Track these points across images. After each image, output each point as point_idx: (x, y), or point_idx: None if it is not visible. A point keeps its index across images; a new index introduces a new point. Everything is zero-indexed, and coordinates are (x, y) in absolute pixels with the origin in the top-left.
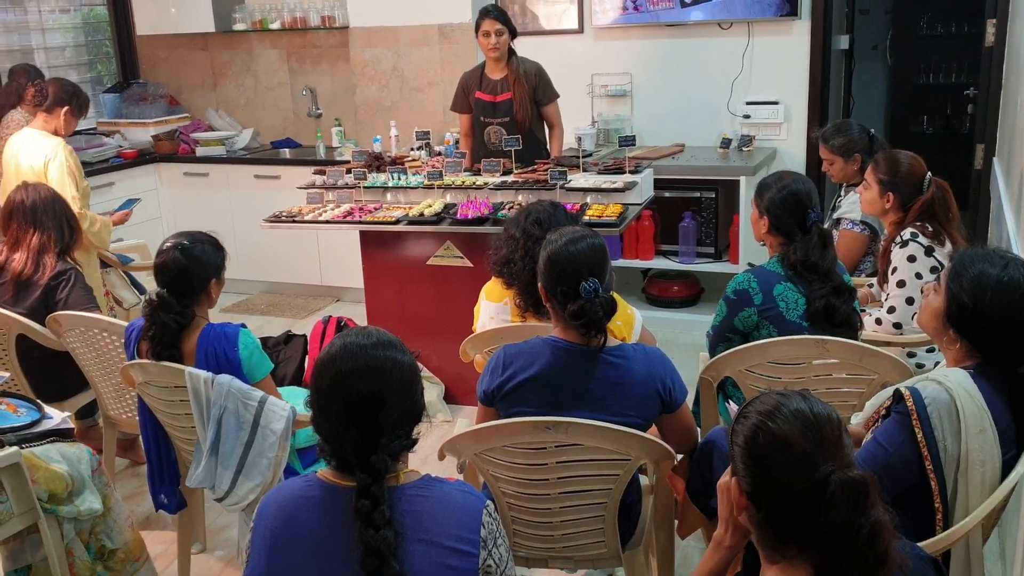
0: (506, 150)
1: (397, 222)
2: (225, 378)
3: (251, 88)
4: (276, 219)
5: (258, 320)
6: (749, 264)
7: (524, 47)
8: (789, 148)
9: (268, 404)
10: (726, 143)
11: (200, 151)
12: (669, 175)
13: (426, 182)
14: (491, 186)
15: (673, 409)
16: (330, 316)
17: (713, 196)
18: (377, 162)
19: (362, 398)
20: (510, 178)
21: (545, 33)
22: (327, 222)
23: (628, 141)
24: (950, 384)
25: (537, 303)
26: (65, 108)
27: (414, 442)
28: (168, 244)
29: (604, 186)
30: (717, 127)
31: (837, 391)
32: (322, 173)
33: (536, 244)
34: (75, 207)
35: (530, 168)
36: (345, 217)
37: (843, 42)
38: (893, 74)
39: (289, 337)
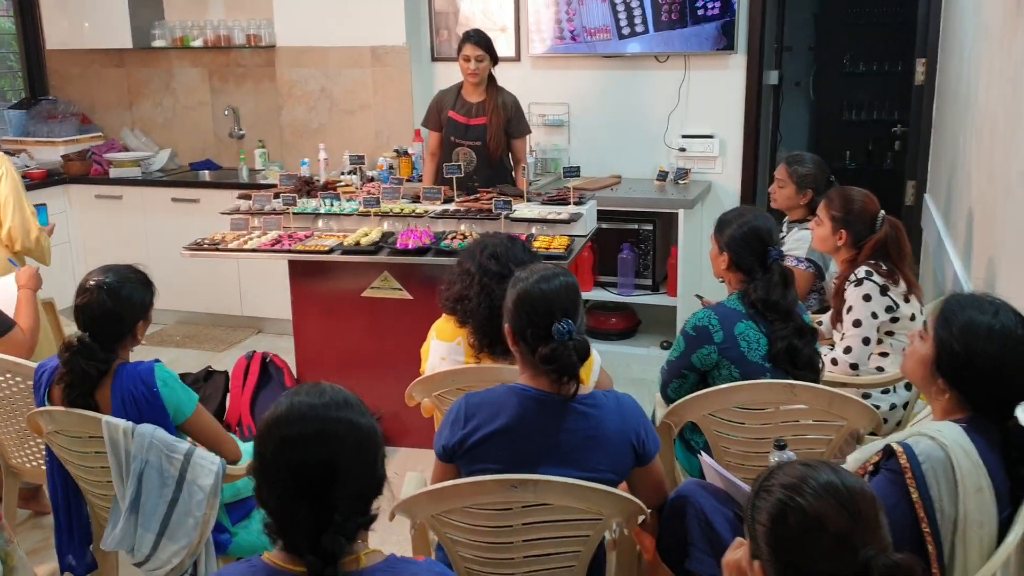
0: (446, 176)
1: (331, 251)
2: (147, 428)
3: (169, 107)
4: (197, 247)
5: (173, 353)
6: (697, 296)
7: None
8: (724, 182)
9: (195, 457)
10: (663, 175)
11: (114, 172)
12: (607, 206)
13: (361, 209)
14: (432, 214)
15: (646, 462)
16: (254, 351)
17: (651, 228)
18: (307, 187)
19: (312, 468)
20: (452, 206)
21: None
22: (254, 250)
23: (572, 172)
24: (944, 440)
25: (492, 343)
26: None
27: (373, 518)
28: (92, 283)
29: (550, 217)
30: (653, 159)
31: (803, 438)
32: (247, 198)
33: (493, 279)
34: (33, 227)
35: (472, 197)
36: (273, 245)
37: (772, 77)
38: (816, 110)
39: (209, 373)
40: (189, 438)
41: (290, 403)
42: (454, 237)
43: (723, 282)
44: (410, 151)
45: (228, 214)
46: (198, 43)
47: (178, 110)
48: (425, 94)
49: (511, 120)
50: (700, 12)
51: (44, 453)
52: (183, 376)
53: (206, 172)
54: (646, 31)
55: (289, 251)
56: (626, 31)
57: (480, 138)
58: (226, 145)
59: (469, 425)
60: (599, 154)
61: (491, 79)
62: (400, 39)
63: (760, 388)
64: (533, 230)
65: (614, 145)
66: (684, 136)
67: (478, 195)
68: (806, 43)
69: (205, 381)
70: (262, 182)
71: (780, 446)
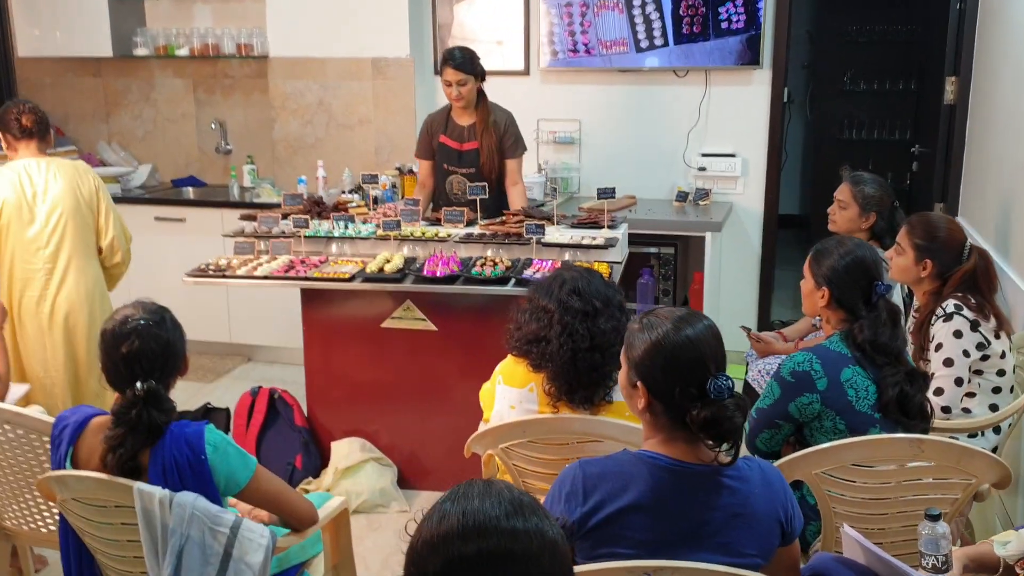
0: (470, 198)
1: (352, 279)
2: (187, 497)
3: (150, 120)
4: (201, 273)
5: None
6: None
7: None
8: (745, 203)
9: (243, 531)
10: (682, 196)
11: None
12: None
13: (380, 232)
14: (455, 238)
15: (789, 541)
16: (259, 387)
17: (672, 252)
18: (318, 208)
19: None
20: (476, 230)
21: (494, 73)
22: (266, 278)
23: (608, 193)
24: None
25: (572, 389)
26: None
27: None
28: (130, 325)
29: (584, 242)
30: (670, 179)
31: (924, 497)
32: (250, 219)
33: (575, 318)
34: (126, 241)
35: (498, 220)
36: (286, 272)
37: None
38: (813, 128)
39: (207, 411)
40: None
41: (462, 510)
42: (483, 263)
43: (819, 322)
44: (415, 169)
45: (232, 237)
46: (183, 52)
47: (160, 123)
48: (428, 109)
49: (503, 139)
50: (724, 25)
51: (44, 511)
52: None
53: (190, 189)
54: (665, 44)
55: (306, 279)
56: (644, 44)
57: (474, 164)
58: (212, 160)
59: (591, 501)
60: (612, 173)
61: (481, 97)
62: (403, 50)
63: (882, 444)
64: (567, 256)
65: (628, 164)
66: (704, 155)
67: (503, 217)
68: (800, 60)
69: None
70: (255, 201)
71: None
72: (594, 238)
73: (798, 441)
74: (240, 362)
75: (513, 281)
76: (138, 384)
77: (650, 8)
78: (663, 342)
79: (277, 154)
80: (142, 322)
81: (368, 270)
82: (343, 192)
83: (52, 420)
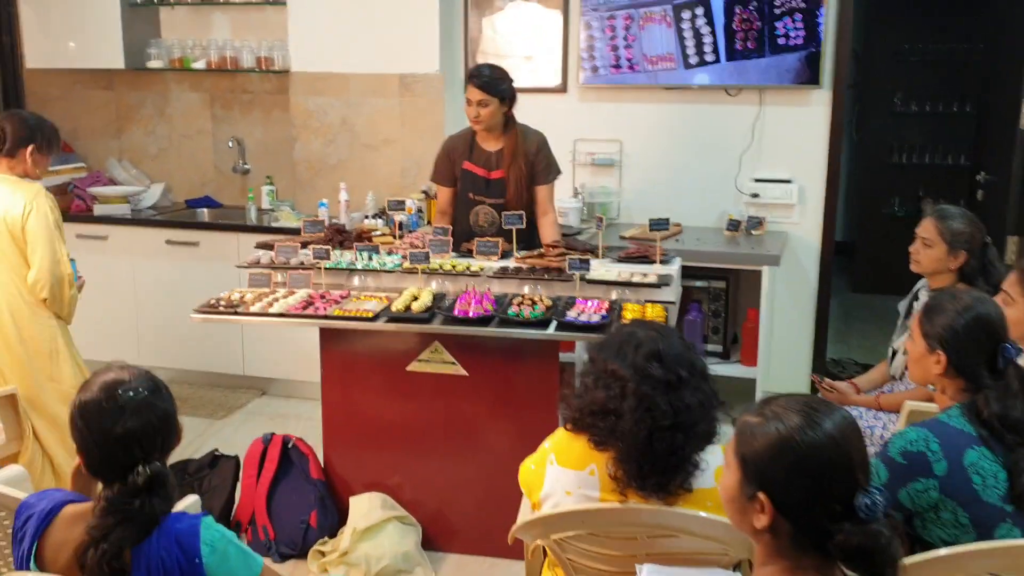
0: (505, 228)
1: (375, 318)
2: None
3: (164, 136)
4: (211, 309)
5: None
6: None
7: None
8: (802, 234)
9: None
10: (734, 225)
11: (99, 209)
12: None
13: (406, 265)
14: (489, 273)
15: None
16: (272, 434)
17: (723, 286)
18: (340, 236)
19: None
20: (511, 263)
21: (527, 90)
22: (282, 315)
23: (661, 225)
24: None
25: (645, 475)
26: (30, 146)
27: None
28: (124, 398)
29: (635, 279)
30: (718, 205)
31: None
32: (267, 247)
33: (657, 389)
34: (66, 275)
35: (535, 253)
36: (305, 308)
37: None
38: (860, 151)
39: (215, 459)
40: None
41: None
42: (520, 302)
43: (933, 390)
44: None
45: (246, 268)
46: (200, 65)
47: (174, 139)
48: (458, 128)
49: (534, 164)
50: (781, 41)
51: None
52: (183, 464)
53: (205, 211)
54: (717, 60)
55: (326, 317)
56: (694, 60)
57: (503, 194)
58: (228, 180)
59: None
60: (655, 198)
61: (509, 121)
62: (433, 66)
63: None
64: (613, 295)
65: (673, 189)
66: (757, 180)
67: (541, 250)
68: (846, 80)
69: (211, 468)
70: (273, 225)
71: None
72: (645, 275)
73: (907, 534)
74: (254, 396)
75: (555, 324)
76: (140, 468)
77: (700, 22)
78: (797, 441)
79: (298, 175)
80: (137, 393)
81: (394, 308)
82: (366, 217)
83: (18, 496)
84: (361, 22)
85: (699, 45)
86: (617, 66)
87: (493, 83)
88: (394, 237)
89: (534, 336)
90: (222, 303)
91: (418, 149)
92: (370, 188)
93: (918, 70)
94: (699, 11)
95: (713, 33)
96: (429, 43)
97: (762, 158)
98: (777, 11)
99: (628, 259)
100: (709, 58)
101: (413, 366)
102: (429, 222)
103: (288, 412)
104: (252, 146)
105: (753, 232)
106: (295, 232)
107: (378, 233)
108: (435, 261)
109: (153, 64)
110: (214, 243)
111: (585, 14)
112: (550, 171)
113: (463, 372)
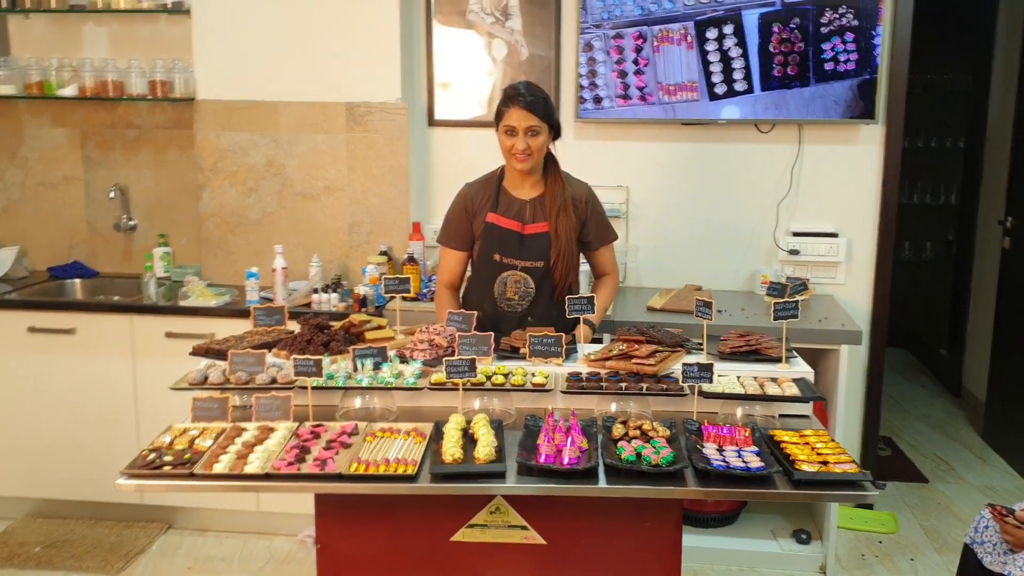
0: (570, 317)
1: (417, 476)
2: None
3: (15, 185)
4: (150, 471)
5: None
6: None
7: (471, 141)
8: (849, 296)
9: None
10: (777, 290)
11: None
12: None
13: (435, 378)
14: (561, 387)
15: None
16: None
17: None
18: (323, 336)
19: None
20: (581, 366)
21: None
22: (268, 477)
23: (799, 286)
24: None
25: None
26: None
27: None
28: None
29: (771, 390)
30: (747, 265)
31: None
32: (213, 353)
33: None
34: None
35: (613, 351)
36: (298, 459)
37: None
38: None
39: None
40: None
41: None
42: (626, 433)
43: None
44: (415, 256)
45: (189, 388)
46: (68, 91)
47: (30, 189)
48: (425, 170)
49: (587, 222)
50: (828, 67)
51: None
52: None
53: (77, 282)
54: (749, 90)
55: (341, 478)
56: (720, 90)
57: (543, 255)
58: (107, 241)
59: None
60: (666, 256)
61: (550, 161)
62: (392, 93)
63: None
64: (739, 412)
65: (692, 245)
66: (795, 234)
67: (621, 346)
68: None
69: None
70: (183, 304)
71: None
72: (777, 380)
73: None
74: (157, 532)
75: (692, 471)
76: None
77: (730, 42)
78: None
79: (205, 233)
80: None
81: (447, 457)
82: (314, 291)
83: None
84: (294, 35)
85: (727, 71)
86: (626, 96)
87: (542, 103)
88: (394, 331)
89: (669, 495)
90: (164, 456)
91: (372, 198)
92: (308, 249)
93: (918, 103)
94: (728, 29)
95: (745, 56)
96: (387, 63)
97: (799, 207)
98: (824, 30)
99: (735, 354)
100: (740, 87)
101: (462, 534)
102: (408, 295)
103: (211, 553)
104: (140, 196)
105: (798, 298)
106: (215, 313)
107: (371, 326)
108: (481, 367)
109: (3, 90)
110: (97, 330)
111: (585, 32)
112: (606, 232)
113: (539, 540)
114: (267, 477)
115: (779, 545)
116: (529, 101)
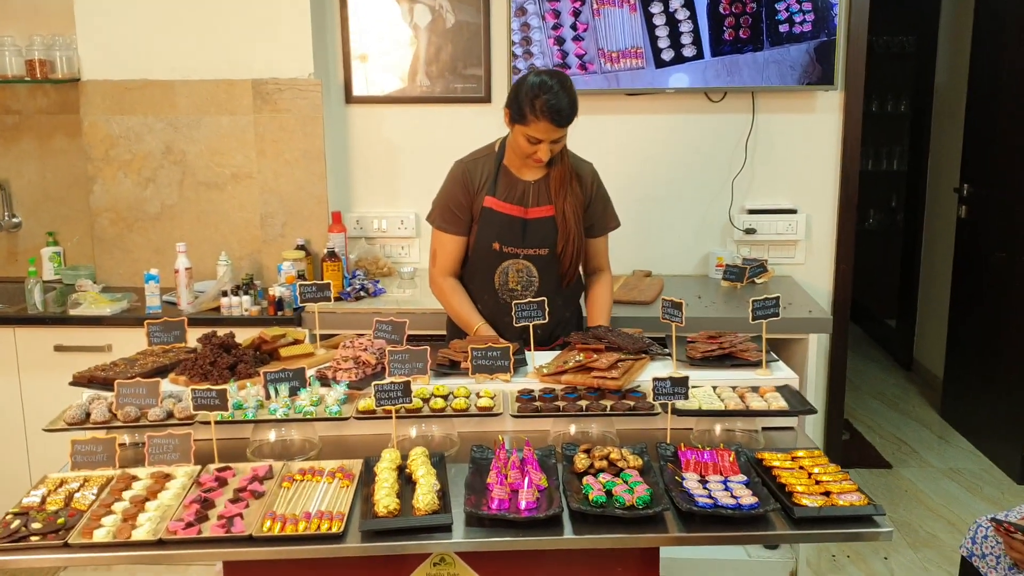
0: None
1: (343, 535)
2: None
3: None
4: (3, 543)
5: None
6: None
7: (394, 119)
8: (809, 277)
9: None
10: (734, 274)
11: None
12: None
13: (362, 405)
14: (511, 410)
15: None
16: None
17: None
18: (231, 358)
19: None
20: (533, 380)
21: (431, 100)
22: (160, 543)
23: (755, 270)
24: None
25: None
26: None
27: None
28: None
29: (754, 403)
30: (700, 247)
31: None
32: (101, 384)
33: None
34: None
35: (571, 363)
36: (198, 517)
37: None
38: None
39: None
40: None
41: None
42: (591, 465)
43: None
44: (336, 250)
45: (67, 429)
46: None
47: None
48: (343, 152)
49: (591, 204)
50: (783, 28)
51: None
52: None
53: None
54: (699, 55)
55: (252, 541)
56: (667, 56)
57: (548, 242)
58: None
59: None
60: (613, 240)
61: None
62: (304, 68)
63: None
64: (718, 430)
65: (639, 226)
66: (751, 211)
67: (577, 356)
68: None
69: None
70: (73, 313)
71: None
72: (758, 390)
73: None
74: None
75: (673, 512)
76: None
77: (676, 4)
78: None
79: (99, 231)
80: None
81: (380, 509)
82: (223, 294)
83: None
84: (192, 5)
85: (675, 35)
86: (564, 65)
87: (574, 112)
88: (313, 344)
89: (647, 543)
90: (31, 523)
91: (285, 185)
92: (215, 246)
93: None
94: None
95: (694, 19)
96: (298, 35)
97: (754, 183)
98: None
99: (706, 359)
100: (688, 52)
101: None
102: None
103: None
104: (23, 190)
105: (757, 281)
106: (111, 323)
107: (287, 341)
108: (416, 390)
109: None
110: None
111: None
112: (609, 218)
113: None
114: (160, 544)
115: (746, 552)
116: (567, 117)
